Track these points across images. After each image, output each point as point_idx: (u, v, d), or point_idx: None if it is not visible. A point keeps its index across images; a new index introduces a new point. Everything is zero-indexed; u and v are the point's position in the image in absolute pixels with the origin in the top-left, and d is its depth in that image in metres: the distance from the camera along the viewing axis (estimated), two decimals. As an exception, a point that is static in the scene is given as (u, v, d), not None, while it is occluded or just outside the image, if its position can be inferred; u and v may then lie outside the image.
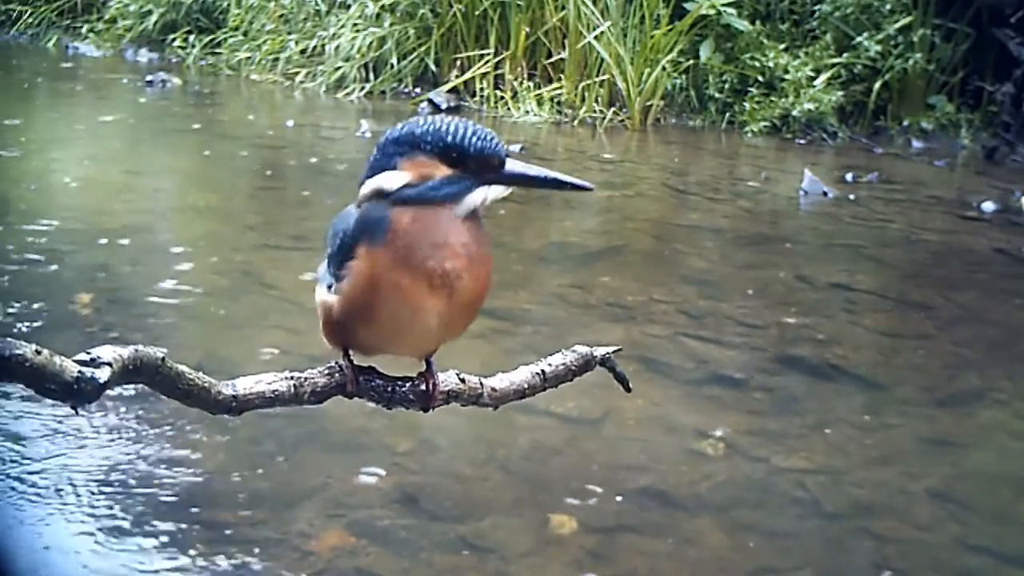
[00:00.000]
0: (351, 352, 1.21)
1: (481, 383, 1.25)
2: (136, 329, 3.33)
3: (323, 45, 8.66)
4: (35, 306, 3.50)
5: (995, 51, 6.96)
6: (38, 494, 2.39)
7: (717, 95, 7.40)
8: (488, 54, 7.85)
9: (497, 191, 1.13)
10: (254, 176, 5.89)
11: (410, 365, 1.23)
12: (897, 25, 7.05)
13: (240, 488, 2.49)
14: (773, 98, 7.21)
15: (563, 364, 1.29)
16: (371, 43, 8.31)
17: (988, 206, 5.50)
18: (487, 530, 2.36)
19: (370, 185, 1.13)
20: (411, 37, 8.27)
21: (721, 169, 6.47)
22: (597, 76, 7.49)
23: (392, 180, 1.10)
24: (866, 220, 5.24)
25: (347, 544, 2.28)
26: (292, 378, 1.15)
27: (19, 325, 3.29)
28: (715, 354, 3.37)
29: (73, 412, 0.96)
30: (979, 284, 4.30)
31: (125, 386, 1.04)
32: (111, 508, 2.36)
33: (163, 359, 1.02)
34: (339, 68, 8.40)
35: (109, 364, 0.94)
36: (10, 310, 3.45)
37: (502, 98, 7.71)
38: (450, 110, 7.67)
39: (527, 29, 7.74)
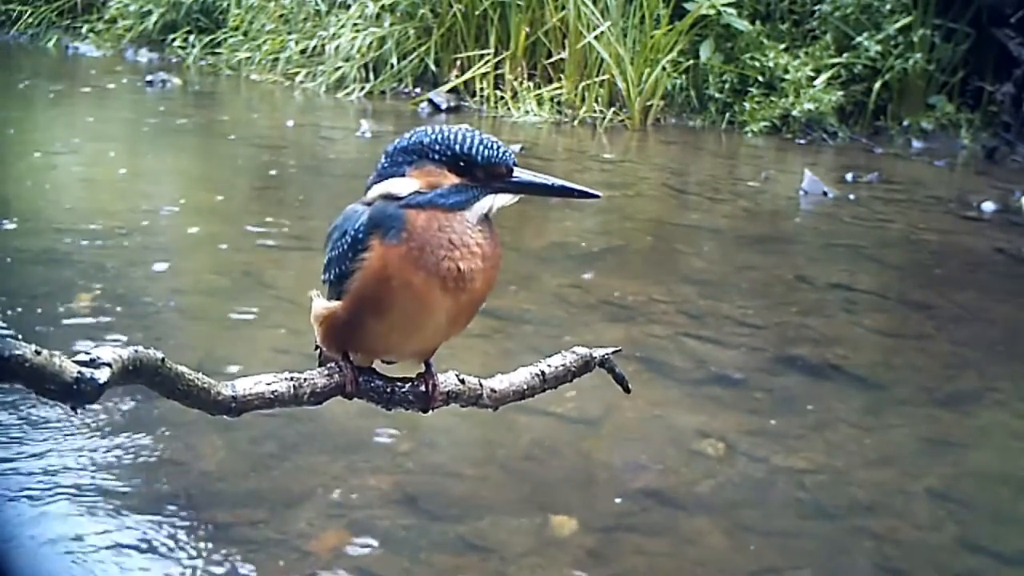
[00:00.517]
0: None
1: (480, 384, 1.25)
2: (136, 329, 3.33)
3: (323, 45, 8.66)
4: (35, 306, 3.51)
5: (995, 51, 6.96)
6: (38, 494, 2.40)
7: (717, 95, 7.40)
8: (488, 54, 7.85)
9: (505, 199, 1.14)
10: (254, 176, 5.89)
11: (408, 367, 1.23)
12: (897, 25, 7.05)
13: (240, 488, 2.49)
14: (773, 98, 7.21)
15: (562, 365, 1.29)
16: (371, 43, 8.32)
17: (988, 206, 5.51)
18: (487, 530, 2.36)
19: (378, 190, 1.14)
20: (411, 37, 8.27)
21: (721, 169, 6.47)
22: (597, 76, 7.49)
23: (401, 187, 1.12)
24: (866, 220, 5.24)
25: (347, 544, 2.29)
26: (292, 379, 1.15)
27: (19, 325, 3.29)
28: (715, 354, 3.37)
29: (72, 412, 0.96)
30: (979, 284, 4.30)
31: (124, 387, 1.04)
32: (111, 508, 2.37)
33: (163, 360, 1.02)
34: (339, 68, 8.40)
35: (109, 365, 0.94)
36: (10, 310, 3.46)
37: (502, 98, 7.71)
38: (450, 110, 7.67)
39: (527, 29, 7.74)
